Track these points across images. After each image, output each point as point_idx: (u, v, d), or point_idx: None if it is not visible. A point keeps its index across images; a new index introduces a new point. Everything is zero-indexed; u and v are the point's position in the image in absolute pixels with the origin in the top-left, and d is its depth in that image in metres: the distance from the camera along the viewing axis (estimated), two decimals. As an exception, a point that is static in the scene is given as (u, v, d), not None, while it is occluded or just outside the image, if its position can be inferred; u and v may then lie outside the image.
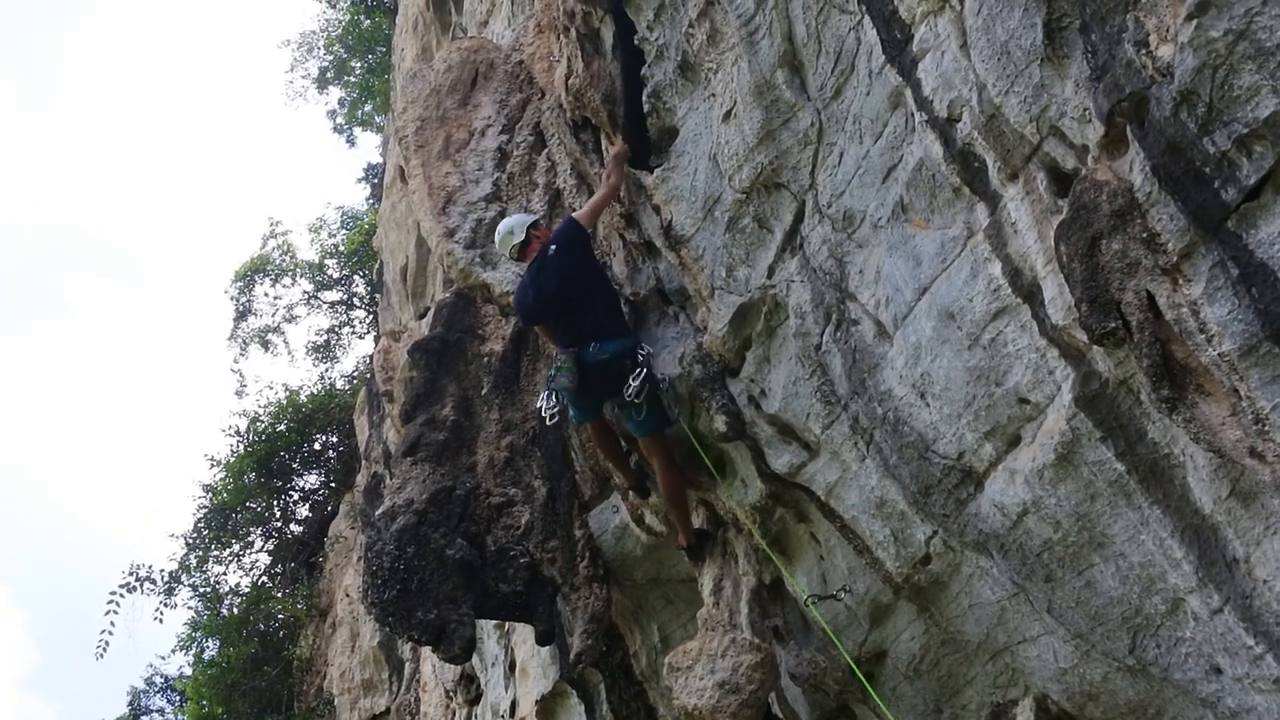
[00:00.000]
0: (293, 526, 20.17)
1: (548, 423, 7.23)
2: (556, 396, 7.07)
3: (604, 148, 7.85)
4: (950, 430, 5.01)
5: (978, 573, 5.29)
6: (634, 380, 6.62)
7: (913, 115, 5.02)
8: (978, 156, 4.67)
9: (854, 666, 5.86)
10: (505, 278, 8.09)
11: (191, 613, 19.27)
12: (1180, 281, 3.71)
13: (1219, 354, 3.61)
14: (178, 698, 22.39)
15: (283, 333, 23.69)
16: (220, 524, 19.24)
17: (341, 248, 23.61)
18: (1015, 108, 4.36)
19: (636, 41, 7.05)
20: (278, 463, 19.79)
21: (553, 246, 7.20)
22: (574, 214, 7.44)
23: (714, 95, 6.43)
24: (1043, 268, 4.35)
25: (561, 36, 8.30)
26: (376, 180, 24.23)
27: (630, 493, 7.60)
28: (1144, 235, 3.79)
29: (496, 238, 7.65)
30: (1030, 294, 4.47)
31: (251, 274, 23.33)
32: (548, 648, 8.74)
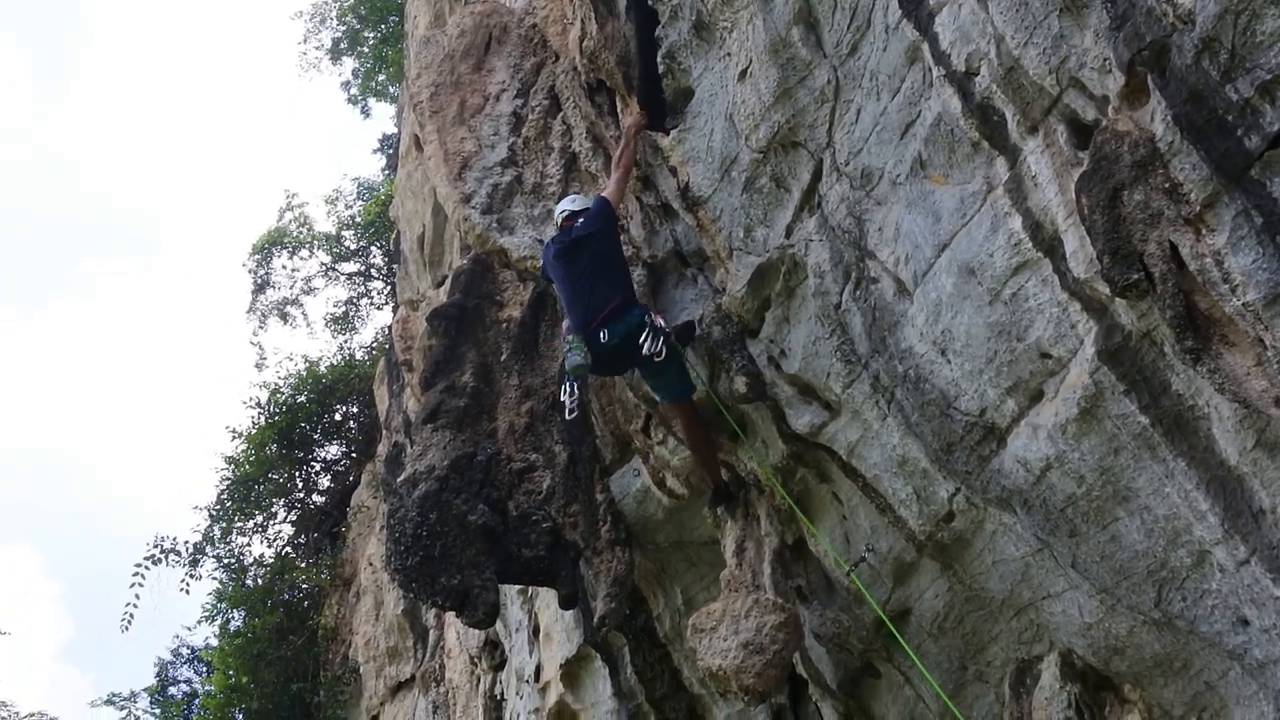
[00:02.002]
0: (315, 497, 20.25)
1: (568, 416, 7.21)
2: (571, 386, 7.06)
3: (619, 110, 7.83)
4: (972, 387, 5.01)
5: (1001, 529, 5.31)
6: (647, 342, 6.57)
7: (930, 70, 4.98)
8: (997, 110, 4.64)
9: (886, 620, 5.88)
10: (522, 243, 8.10)
11: (216, 584, 19.40)
12: (1203, 231, 3.69)
13: (1243, 304, 3.59)
14: (204, 668, 22.60)
15: (301, 305, 23.67)
16: (243, 495, 19.32)
17: (358, 219, 23.56)
18: (1034, 59, 4.33)
19: (650, 2, 7.02)
20: (299, 434, 19.84)
21: (580, 219, 7.25)
22: (603, 192, 7.45)
23: (729, 54, 6.40)
24: (1064, 221, 4.33)
25: (574, -2, 8.27)
26: (392, 150, 24.17)
27: (650, 455, 7.62)
28: (1166, 185, 3.77)
29: (566, 201, 7.66)
30: (1051, 248, 4.46)
31: (269, 247, 23.32)
32: (571, 612, 8.79)
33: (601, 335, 6.77)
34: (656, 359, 6.57)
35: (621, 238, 7.48)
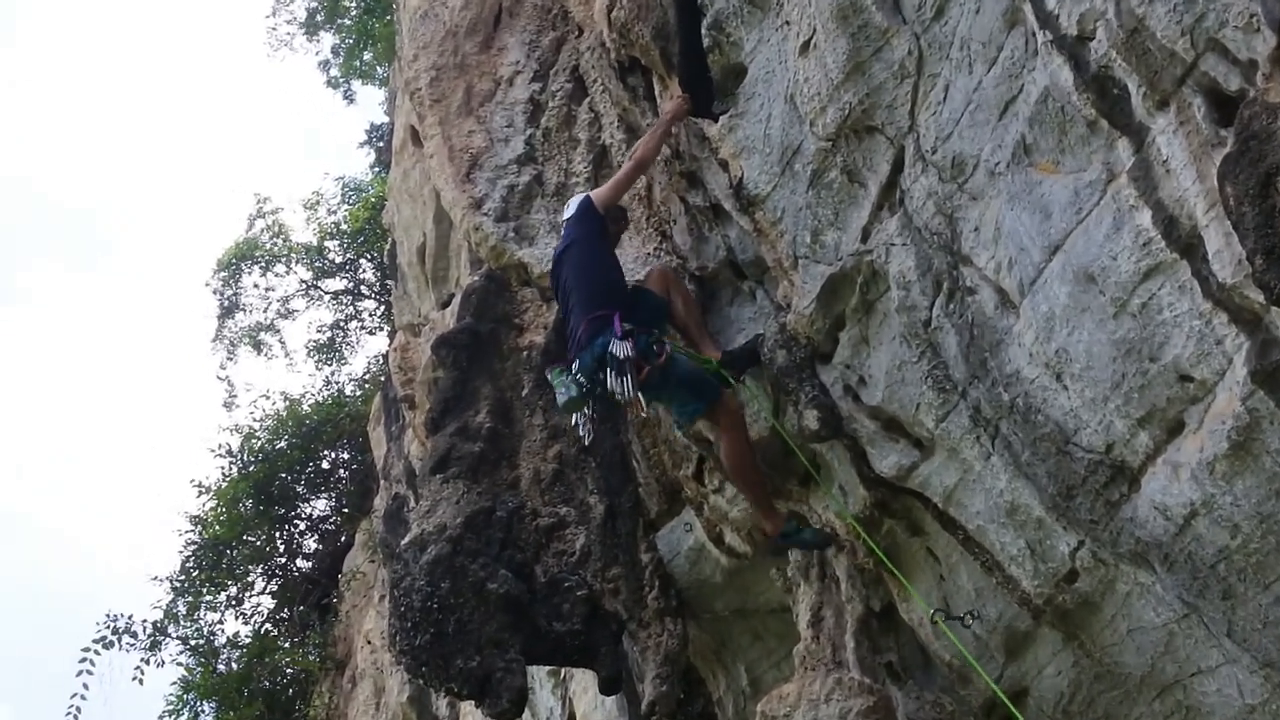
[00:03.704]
0: (299, 562, 20.36)
1: (585, 441, 7.25)
2: (578, 418, 7.09)
3: (657, 94, 7.86)
4: (1095, 418, 4.98)
5: (1137, 590, 5.26)
6: (613, 379, 6.56)
7: (1034, 35, 4.98)
8: (1117, 82, 4.63)
9: (1001, 695, 5.80)
10: (545, 255, 8.15)
11: (182, 670, 19.43)
12: (1378, 225, 3.66)
13: None
14: (167, 776, 22.56)
15: (277, 331, 23.96)
16: (213, 563, 19.41)
17: (344, 226, 23.77)
18: (1163, 18, 4.31)
19: (692, -39, 7.07)
20: (279, 486, 19.96)
21: (565, 227, 7.32)
22: (591, 191, 7.48)
23: (788, 23, 6.42)
24: (1204, 214, 4.30)
25: (600, -41, 8.33)
26: (383, 143, 24.36)
27: (705, 505, 7.60)
28: (1331, 169, 3.74)
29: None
30: (1189, 247, 4.43)
31: (237, 262, 23.54)
32: (614, 697, 8.78)
33: (574, 366, 6.83)
34: (620, 399, 6.60)
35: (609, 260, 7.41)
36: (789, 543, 7.06)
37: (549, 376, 6.96)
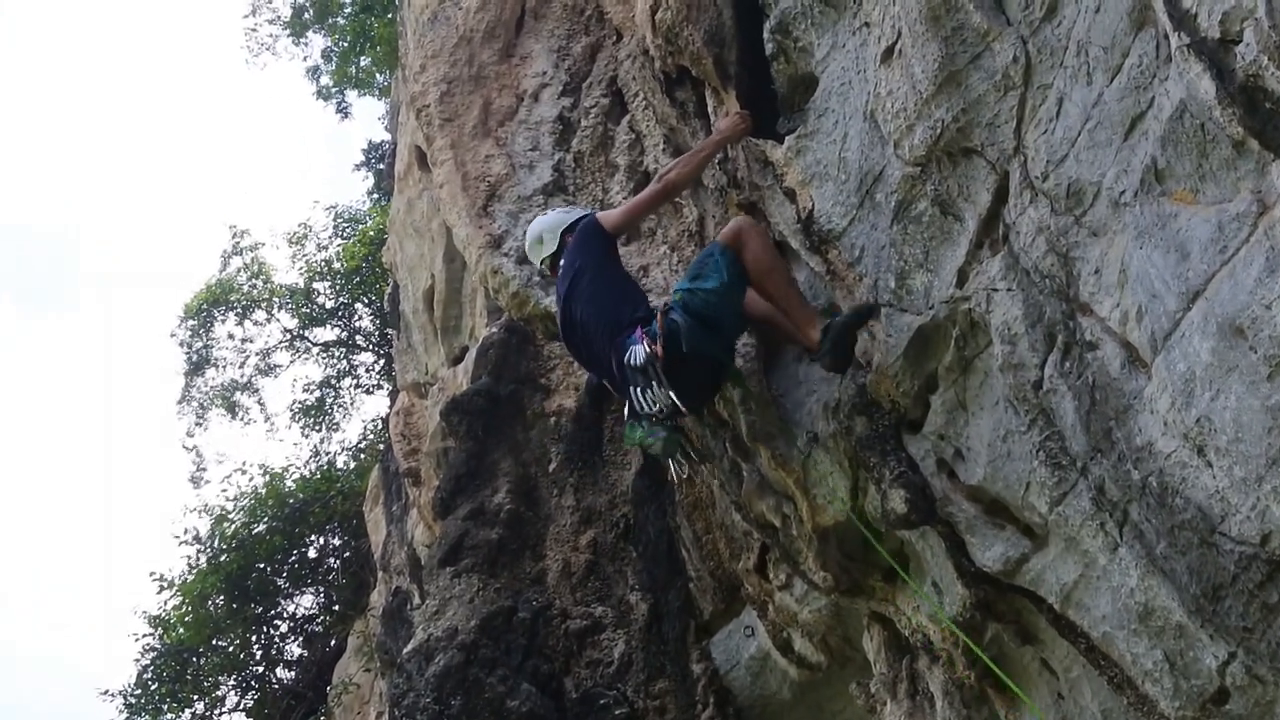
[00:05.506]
0: (280, 672, 20.33)
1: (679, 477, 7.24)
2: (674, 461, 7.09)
3: (711, 110, 7.90)
4: (1246, 502, 4.92)
5: (1302, 714, 5.20)
6: (641, 397, 6.60)
7: (1167, 38, 4.98)
8: (1270, 94, 4.61)
9: None
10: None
11: (140, 805, 19.44)
12: None
13: None
14: None
15: (256, 390, 24.05)
16: (175, 673, 19.38)
17: (336, 265, 23.85)
18: (1324, 18, 4.32)
19: (752, -47, 7.14)
20: (256, 580, 19.95)
21: (562, 259, 7.33)
22: (599, 212, 7.49)
23: (868, 25, 6.46)
24: (1376, 255, 4.29)
25: (642, -49, 8.41)
26: (383, 166, 24.56)
27: (769, 605, 7.58)
28: None
29: (526, 246, 7.73)
30: (1359, 294, 4.41)
31: (208, 308, 23.63)
32: (660, 839, 8.75)
33: (640, 408, 6.82)
34: (665, 408, 6.58)
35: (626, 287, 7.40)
36: (840, 328, 6.72)
37: (627, 437, 6.92)
